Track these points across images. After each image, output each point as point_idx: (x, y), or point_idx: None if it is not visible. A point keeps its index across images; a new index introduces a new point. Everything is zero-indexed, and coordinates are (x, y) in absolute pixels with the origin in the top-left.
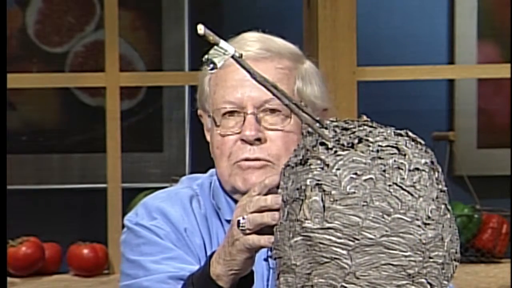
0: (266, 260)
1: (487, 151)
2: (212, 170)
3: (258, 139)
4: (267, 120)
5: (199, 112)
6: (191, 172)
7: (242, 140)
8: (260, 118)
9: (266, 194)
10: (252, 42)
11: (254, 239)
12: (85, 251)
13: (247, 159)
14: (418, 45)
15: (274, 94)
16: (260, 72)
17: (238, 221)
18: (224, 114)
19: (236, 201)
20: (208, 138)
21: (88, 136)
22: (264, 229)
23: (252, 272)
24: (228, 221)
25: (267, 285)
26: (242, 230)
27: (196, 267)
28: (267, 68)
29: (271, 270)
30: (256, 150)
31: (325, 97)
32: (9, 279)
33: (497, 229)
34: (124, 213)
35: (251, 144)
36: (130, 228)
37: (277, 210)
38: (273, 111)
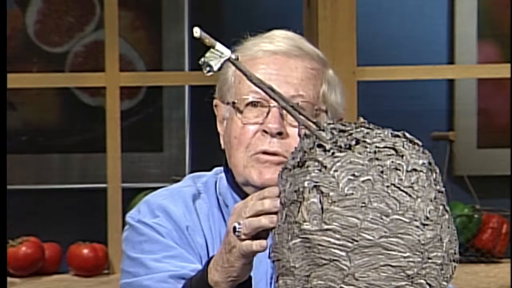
0: (270, 257)
1: (487, 151)
2: (217, 169)
3: (280, 133)
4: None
5: (215, 102)
6: (191, 172)
7: (263, 131)
8: (284, 114)
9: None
10: (283, 38)
11: (247, 244)
12: (85, 251)
13: (265, 152)
14: (418, 45)
15: (271, 96)
16: (291, 67)
17: (234, 227)
18: (248, 104)
19: (242, 197)
20: (220, 129)
21: (88, 136)
22: (260, 234)
23: (250, 278)
24: None
25: (271, 283)
26: (238, 236)
27: (197, 266)
28: (298, 66)
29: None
30: (276, 144)
31: (344, 107)
32: (9, 279)
33: (497, 229)
34: (124, 213)
35: (272, 136)
36: (132, 225)
37: (275, 213)
38: None
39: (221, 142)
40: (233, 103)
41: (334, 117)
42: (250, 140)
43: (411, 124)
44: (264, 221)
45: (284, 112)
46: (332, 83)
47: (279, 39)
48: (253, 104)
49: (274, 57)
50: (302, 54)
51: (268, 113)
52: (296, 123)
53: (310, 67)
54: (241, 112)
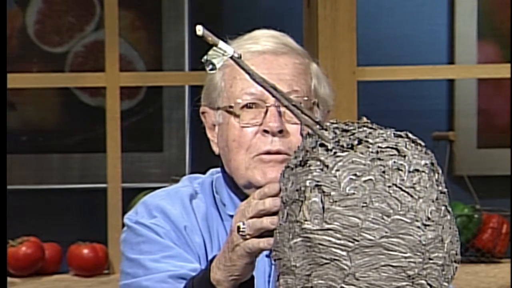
0: (268, 256)
1: (487, 151)
2: (212, 170)
3: (281, 131)
4: (289, 113)
5: (203, 109)
6: (191, 172)
7: (264, 131)
8: (282, 111)
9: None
10: (268, 37)
11: (254, 242)
12: (85, 251)
13: (268, 152)
14: (418, 45)
15: (273, 95)
16: (281, 65)
17: (238, 227)
18: (243, 106)
19: (240, 197)
20: (210, 135)
21: (88, 136)
22: (264, 233)
23: (252, 277)
24: (231, 216)
25: (269, 282)
26: (242, 235)
27: (196, 266)
28: (287, 63)
29: (273, 267)
30: (277, 142)
31: (332, 98)
32: (9, 279)
33: (497, 229)
34: (124, 213)
35: (273, 135)
36: (130, 227)
37: (276, 213)
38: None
39: (214, 148)
40: (230, 107)
41: (325, 109)
42: (250, 141)
43: (411, 124)
44: (266, 222)
45: (282, 109)
46: (319, 76)
47: (264, 38)
48: (249, 106)
49: (263, 56)
50: (289, 51)
51: (266, 113)
52: (295, 120)
53: (298, 62)
54: (237, 116)
